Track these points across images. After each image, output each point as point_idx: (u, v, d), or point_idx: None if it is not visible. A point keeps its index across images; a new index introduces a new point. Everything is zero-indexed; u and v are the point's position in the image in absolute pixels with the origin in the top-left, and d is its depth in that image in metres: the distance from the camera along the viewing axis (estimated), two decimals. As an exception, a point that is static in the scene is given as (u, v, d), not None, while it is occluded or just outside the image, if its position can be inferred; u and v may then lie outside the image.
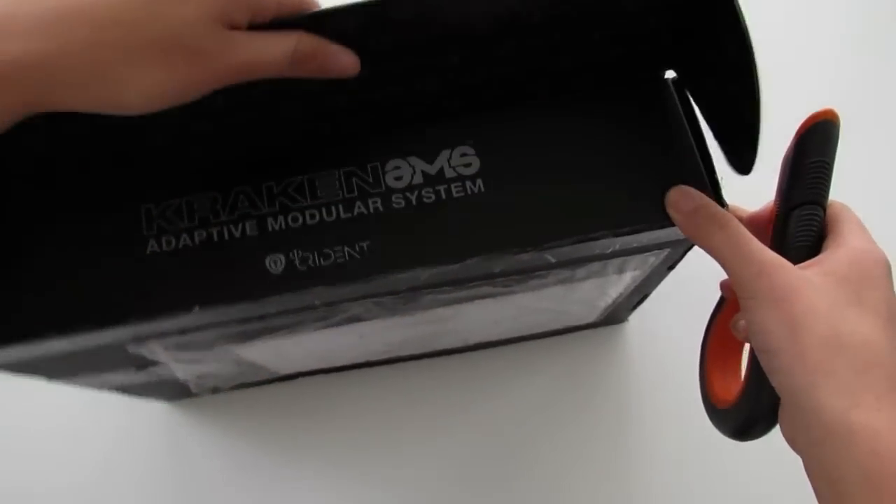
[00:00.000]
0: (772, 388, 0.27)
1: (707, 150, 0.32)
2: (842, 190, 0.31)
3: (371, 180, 0.32)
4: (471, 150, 0.32)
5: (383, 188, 0.32)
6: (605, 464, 0.52)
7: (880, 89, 0.63)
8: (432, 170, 0.32)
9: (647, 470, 0.52)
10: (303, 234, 0.31)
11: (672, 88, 0.33)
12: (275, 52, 0.26)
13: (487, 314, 0.43)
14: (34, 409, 0.55)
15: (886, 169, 0.59)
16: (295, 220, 0.32)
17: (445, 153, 0.32)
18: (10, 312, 0.30)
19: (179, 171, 0.32)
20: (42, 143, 0.30)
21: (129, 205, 0.32)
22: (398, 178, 0.32)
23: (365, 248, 0.31)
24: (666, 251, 0.36)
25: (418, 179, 0.32)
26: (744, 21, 0.25)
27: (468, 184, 0.32)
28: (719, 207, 0.29)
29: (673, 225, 0.30)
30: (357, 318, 0.37)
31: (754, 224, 0.32)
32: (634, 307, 0.52)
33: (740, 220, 0.33)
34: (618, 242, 0.32)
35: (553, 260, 0.33)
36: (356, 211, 0.32)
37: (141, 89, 0.23)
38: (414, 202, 0.32)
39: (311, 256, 0.31)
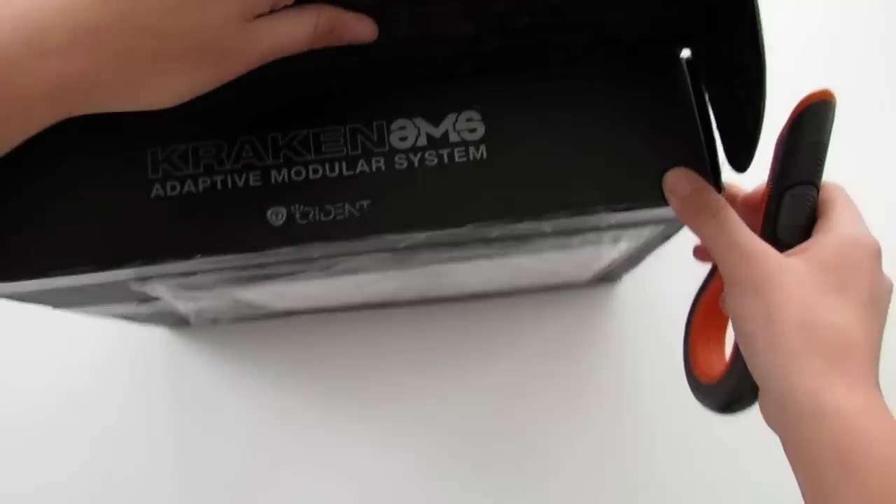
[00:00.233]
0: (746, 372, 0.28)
1: (711, 132, 0.32)
2: (847, 171, 0.31)
3: (375, 139, 0.32)
4: (477, 116, 0.32)
5: (387, 147, 0.32)
6: (592, 413, 0.54)
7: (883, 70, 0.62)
8: (437, 132, 0.32)
9: (638, 422, 0.54)
10: (305, 188, 0.32)
11: (685, 67, 0.33)
12: (296, 32, 0.26)
13: (482, 271, 0.43)
14: (36, 333, 0.56)
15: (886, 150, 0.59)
16: (298, 173, 0.32)
17: (451, 117, 0.32)
18: (18, 250, 0.31)
19: (186, 116, 0.32)
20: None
21: (136, 147, 0.32)
22: (403, 139, 0.32)
23: (365, 207, 0.31)
24: (662, 226, 0.36)
25: (422, 142, 0.32)
26: (762, 38, 0.25)
27: (471, 150, 0.32)
28: (715, 194, 0.30)
29: (668, 205, 0.31)
30: (354, 271, 0.38)
31: (749, 204, 0.33)
32: (629, 270, 0.53)
33: (735, 198, 0.33)
34: (614, 217, 0.32)
35: (549, 230, 0.33)
36: (359, 169, 0.32)
37: (172, 91, 0.25)
38: (416, 164, 0.32)
39: (311, 211, 0.32)
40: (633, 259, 0.47)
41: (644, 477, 0.54)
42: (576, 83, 0.33)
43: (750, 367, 0.28)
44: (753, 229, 0.30)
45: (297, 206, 0.32)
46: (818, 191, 0.30)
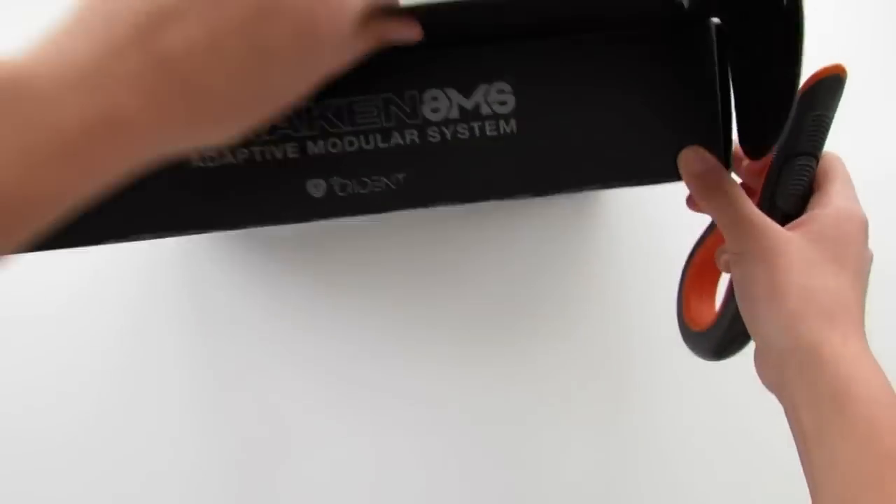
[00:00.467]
0: (738, 322, 0.32)
1: (729, 107, 0.33)
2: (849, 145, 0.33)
3: (409, 110, 0.33)
4: (507, 87, 0.33)
5: (420, 119, 0.33)
6: (584, 315, 0.60)
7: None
8: (469, 104, 0.33)
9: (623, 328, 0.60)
10: (343, 160, 0.33)
11: (714, 35, 0.33)
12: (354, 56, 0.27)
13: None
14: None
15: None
16: (334, 145, 0.33)
17: (483, 87, 0.33)
18: (71, 220, 0.32)
19: None
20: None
21: None
22: (435, 111, 0.33)
23: (401, 179, 0.33)
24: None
25: (454, 114, 0.33)
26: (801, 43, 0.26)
27: (501, 123, 0.33)
28: (725, 172, 0.32)
29: (680, 179, 0.33)
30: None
31: (751, 170, 0.35)
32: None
33: (740, 162, 0.35)
34: (626, 186, 0.35)
35: (564, 196, 0.36)
36: (393, 141, 0.33)
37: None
38: (449, 137, 0.33)
39: (349, 184, 0.33)
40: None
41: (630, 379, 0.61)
42: (606, 52, 0.33)
43: (750, 327, 0.32)
44: (754, 193, 0.33)
45: (335, 178, 0.33)
46: (818, 162, 0.32)
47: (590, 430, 0.59)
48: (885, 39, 0.62)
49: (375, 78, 0.33)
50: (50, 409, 0.58)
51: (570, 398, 0.59)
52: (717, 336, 0.35)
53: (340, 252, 0.59)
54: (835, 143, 0.34)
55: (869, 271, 0.32)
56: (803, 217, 0.32)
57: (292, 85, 0.25)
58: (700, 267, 0.38)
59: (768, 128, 0.30)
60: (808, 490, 0.29)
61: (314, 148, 0.33)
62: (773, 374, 0.31)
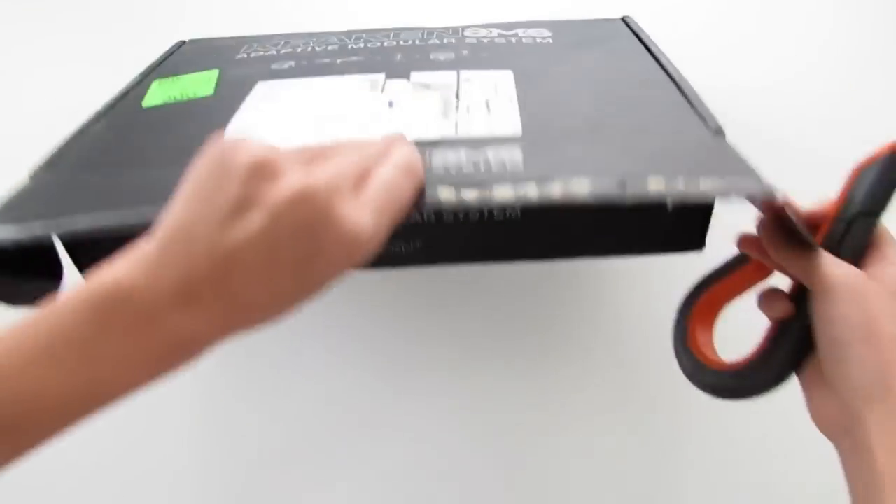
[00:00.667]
0: (790, 368, 0.34)
1: None
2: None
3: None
4: None
5: None
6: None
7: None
8: None
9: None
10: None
11: None
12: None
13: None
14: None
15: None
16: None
17: None
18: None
19: None
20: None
21: None
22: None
23: (418, 245, 0.35)
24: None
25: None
26: None
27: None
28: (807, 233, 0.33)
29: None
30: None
31: (811, 220, 0.36)
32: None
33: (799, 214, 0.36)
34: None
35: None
36: (412, 218, 0.36)
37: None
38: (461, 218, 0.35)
39: None
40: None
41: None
42: None
43: (831, 368, 0.32)
44: None
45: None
46: (877, 224, 0.34)
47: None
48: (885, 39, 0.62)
49: None
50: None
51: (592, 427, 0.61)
52: (762, 377, 0.35)
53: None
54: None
55: None
56: (872, 271, 0.33)
57: (326, 287, 0.27)
58: (711, 304, 0.39)
59: None
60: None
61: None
62: (842, 418, 0.32)
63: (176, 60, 0.53)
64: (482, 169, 0.32)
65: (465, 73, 0.44)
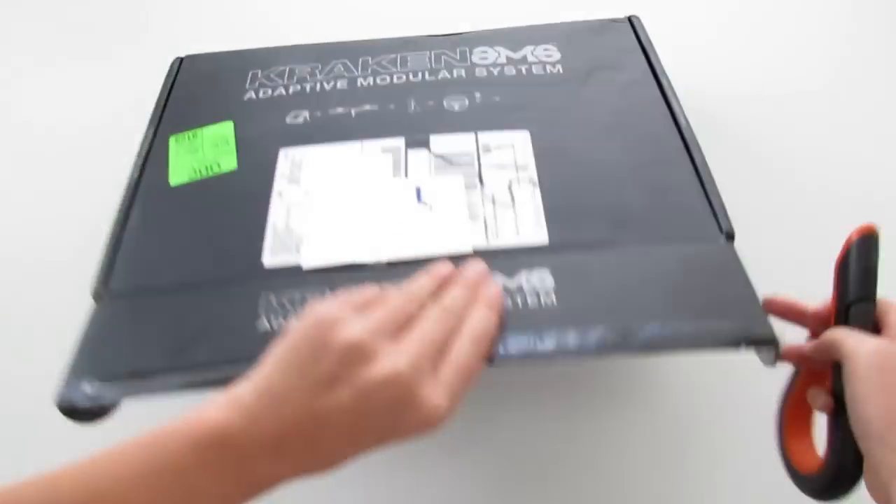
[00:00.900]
0: (853, 455, 0.35)
1: None
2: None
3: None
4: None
5: None
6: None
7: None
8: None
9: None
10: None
11: None
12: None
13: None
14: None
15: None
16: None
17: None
18: None
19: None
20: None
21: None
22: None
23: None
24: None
25: None
26: None
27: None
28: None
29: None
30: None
31: (819, 316, 0.39)
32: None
33: (807, 312, 0.40)
34: None
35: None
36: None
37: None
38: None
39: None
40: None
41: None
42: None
43: (864, 444, 0.33)
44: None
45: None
46: (875, 304, 0.37)
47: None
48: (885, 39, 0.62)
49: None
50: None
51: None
52: (828, 479, 0.37)
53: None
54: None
55: None
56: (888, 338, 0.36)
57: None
58: (794, 410, 0.41)
59: None
60: None
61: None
62: (882, 494, 0.33)
63: (181, 95, 0.52)
64: (519, 304, 0.36)
65: (482, 137, 0.45)
